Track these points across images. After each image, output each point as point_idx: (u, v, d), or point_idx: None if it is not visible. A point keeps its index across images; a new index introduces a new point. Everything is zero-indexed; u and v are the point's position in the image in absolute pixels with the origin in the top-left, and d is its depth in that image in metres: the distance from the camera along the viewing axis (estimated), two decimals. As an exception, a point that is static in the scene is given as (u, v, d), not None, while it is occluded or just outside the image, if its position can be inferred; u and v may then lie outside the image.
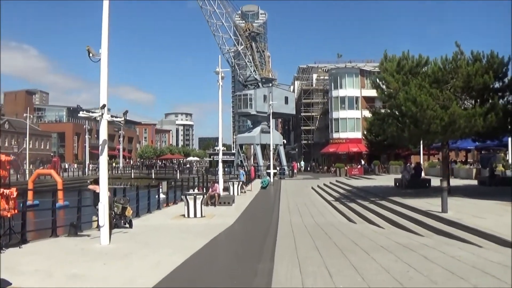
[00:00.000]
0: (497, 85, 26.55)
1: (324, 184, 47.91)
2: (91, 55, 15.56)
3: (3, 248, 14.16)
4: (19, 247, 15.04)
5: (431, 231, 17.01)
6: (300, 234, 18.66)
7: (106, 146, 16.40)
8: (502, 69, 26.22)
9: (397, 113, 27.19)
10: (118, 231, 19.35)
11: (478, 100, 26.33)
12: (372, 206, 25.98)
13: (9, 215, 14.62)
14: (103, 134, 16.32)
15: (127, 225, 20.76)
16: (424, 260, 12.06)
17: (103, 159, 16.51)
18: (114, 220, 20.14)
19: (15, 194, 14.60)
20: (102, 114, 15.82)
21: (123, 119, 17.37)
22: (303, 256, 13.26)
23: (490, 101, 25.62)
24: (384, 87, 27.98)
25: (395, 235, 17.18)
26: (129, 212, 20.99)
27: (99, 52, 15.73)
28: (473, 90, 25.45)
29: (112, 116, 17.16)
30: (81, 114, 15.91)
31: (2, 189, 14.20)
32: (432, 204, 21.84)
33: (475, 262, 11.45)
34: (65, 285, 10.41)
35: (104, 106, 15.73)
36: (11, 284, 10.03)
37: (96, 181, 23.92)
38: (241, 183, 43.76)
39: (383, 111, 31.44)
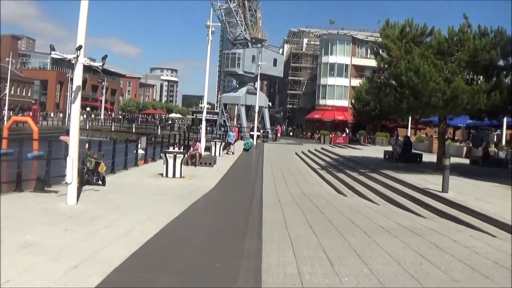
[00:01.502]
0: (501, 62, 25.07)
1: (309, 151, 46.47)
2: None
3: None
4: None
5: (433, 212, 15.50)
6: (288, 205, 17.01)
7: (79, 93, 14.49)
8: (510, 46, 24.71)
9: (395, 83, 25.76)
10: (90, 188, 17.70)
11: (481, 77, 24.95)
12: (362, 178, 24.58)
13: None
14: (77, 80, 14.38)
15: (100, 182, 19.01)
16: (435, 249, 10.48)
17: (75, 108, 14.59)
18: (86, 176, 18.60)
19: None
20: (78, 56, 13.83)
21: (101, 64, 15.36)
22: (295, 235, 11.60)
23: (494, 78, 24.19)
24: (384, 54, 26.28)
25: (394, 214, 15.59)
26: (102, 168, 19.17)
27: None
28: (478, 66, 23.90)
29: (90, 60, 15.15)
30: (53, 54, 13.91)
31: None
32: (428, 181, 20.63)
33: (496, 257, 9.89)
34: (11, 256, 8.51)
35: (80, 47, 13.76)
36: None
37: (68, 132, 22.12)
38: (229, 144, 42.42)
39: (379, 80, 29.78)
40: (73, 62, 14.01)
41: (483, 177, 23.28)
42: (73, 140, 14.33)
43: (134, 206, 15.08)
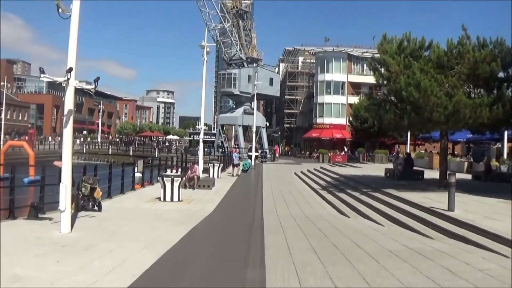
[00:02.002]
0: (501, 74, 24.66)
1: (308, 170, 45.93)
2: (60, 10, 13.12)
3: None
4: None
5: (440, 232, 14.95)
6: (290, 229, 16.43)
7: (71, 117, 13.93)
8: (510, 57, 24.32)
9: (395, 99, 25.34)
10: (85, 214, 17.14)
11: (482, 90, 24.53)
12: (364, 198, 24.06)
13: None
14: (69, 103, 13.82)
15: (96, 208, 18.43)
16: (449, 274, 9.93)
17: (67, 132, 14.03)
18: (82, 202, 18.06)
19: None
20: (68, 79, 13.32)
21: (93, 86, 14.87)
22: (300, 262, 11.02)
23: (495, 91, 23.75)
24: (382, 70, 25.87)
25: (400, 235, 15.04)
26: (98, 193, 18.61)
27: (70, 8, 13.30)
28: (478, 78, 23.47)
29: (86, 83, 14.63)
30: (42, 77, 13.43)
31: None
32: (432, 199, 20.18)
33: (513, 279, 9.39)
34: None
35: (70, 69, 13.24)
36: None
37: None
38: (235, 166, 41.98)
39: (379, 96, 29.36)
40: (64, 85, 13.50)
41: (488, 193, 22.79)
42: (66, 165, 13.79)
43: (130, 233, 14.48)
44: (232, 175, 40.58)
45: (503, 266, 10.47)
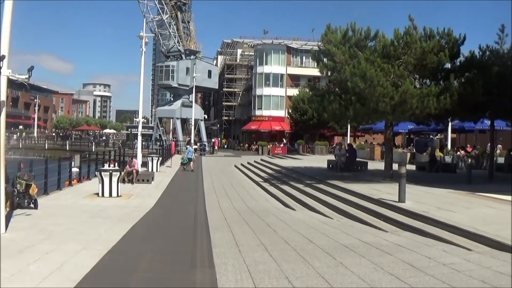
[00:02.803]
0: (447, 65, 24.51)
1: (248, 163, 45.07)
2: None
3: None
4: None
5: (394, 225, 14.37)
6: (236, 224, 15.56)
7: (4, 110, 12.61)
8: (458, 48, 24.17)
9: (339, 90, 24.82)
10: (21, 212, 15.93)
11: (428, 80, 24.27)
12: (309, 190, 23.49)
13: None
14: (1, 94, 12.52)
15: (32, 206, 17.23)
16: (412, 270, 9.23)
17: (0, 126, 12.71)
18: (17, 199, 16.79)
19: None
20: (0, 67, 12.02)
21: (27, 76, 13.57)
22: (251, 260, 10.12)
23: (442, 81, 23.54)
24: (326, 60, 25.30)
25: (352, 229, 14.35)
26: (33, 190, 17.38)
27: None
28: (426, 69, 23.14)
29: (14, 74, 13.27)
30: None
31: None
32: (380, 191, 19.79)
33: (482, 274, 8.83)
34: None
35: (3, 57, 11.93)
36: None
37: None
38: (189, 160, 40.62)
39: (323, 87, 28.85)
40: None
41: (435, 184, 22.53)
42: (-2, 161, 12.48)
43: (68, 232, 13.27)
44: (186, 170, 39.28)
45: (467, 260, 9.90)
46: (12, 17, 12.22)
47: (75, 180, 28.27)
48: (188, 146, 45.50)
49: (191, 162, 40.22)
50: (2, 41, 12.09)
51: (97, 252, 10.56)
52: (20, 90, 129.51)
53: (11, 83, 12.60)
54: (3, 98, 12.54)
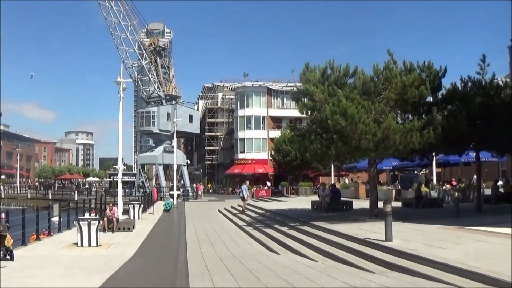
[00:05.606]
0: (429, 98, 24.35)
1: (232, 207, 44.46)
2: None
3: None
4: None
5: (381, 265, 13.81)
6: (218, 272, 14.89)
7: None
8: (439, 81, 24.03)
9: (319, 129, 24.46)
10: (-4, 264, 15.27)
11: (410, 115, 24.05)
12: (293, 233, 22.94)
13: None
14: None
15: (8, 257, 16.75)
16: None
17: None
18: (-8, 251, 16.25)
19: None
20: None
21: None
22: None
23: (424, 115, 23.31)
24: (306, 100, 25.02)
25: (338, 272, 13.73)
26: (8, 241, 16.90)
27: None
28: (407, 103, 22.94)
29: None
30: None
31: None
32: (366, 230, 19.32)
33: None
34: None
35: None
36: None
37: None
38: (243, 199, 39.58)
39: (303, 127, 28.53)
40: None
41: (423, 220, 22.30)
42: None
43: (42, 285, 12.76)
44: (242, 211, 38.39)
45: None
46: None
47: (44, 233, 27.36)
48: (243, 185, 43.62)
49: (245, 201, 39.26)
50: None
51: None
52: (2, 139, 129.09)
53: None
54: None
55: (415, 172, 44.72)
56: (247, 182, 49.61)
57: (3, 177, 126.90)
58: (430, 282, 11.13)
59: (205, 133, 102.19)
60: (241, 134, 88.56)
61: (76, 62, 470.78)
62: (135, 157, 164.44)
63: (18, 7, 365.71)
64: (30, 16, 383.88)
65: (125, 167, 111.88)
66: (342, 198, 33.69)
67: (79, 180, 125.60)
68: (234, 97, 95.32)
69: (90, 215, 23.57)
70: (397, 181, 44.15)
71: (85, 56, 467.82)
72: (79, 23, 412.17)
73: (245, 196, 39.94)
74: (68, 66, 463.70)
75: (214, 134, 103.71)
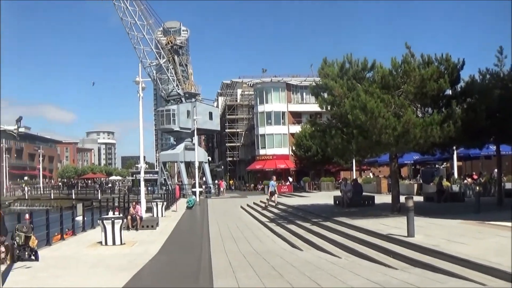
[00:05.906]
0: (448, 91, 24.17)
1: (254, 203, 44.44)
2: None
3: None
4: None
5: (404, 261, 13.81)
6: (241, 268, 15.04)
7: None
8: (457, 74, 23.85)
9: (340, 124, 24.45)
10: (21, 265, 15.72)
11: (430, 108, 23.88)
12: (316, 229, 22.88)
13: None
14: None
15: (33, 257, 17.06)
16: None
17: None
18: (18, 252, 16.61)
19: None
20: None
21: (15, 127, 13.34)
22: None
23: (444, 108, 23.14)
24: (325, 95, 25.00)
25: (360, 268, 13.80)
26: (33, 242, 17.27)
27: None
28: (426, 97, 22.77)
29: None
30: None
31: None
32: (388, 225, 19.19)
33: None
34: None
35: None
36: None
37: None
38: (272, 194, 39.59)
39: (324, 122, 28.52)
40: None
41: (444, 215, 22.02)
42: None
43: (67, 284, 13.00)
44: (270, 204, 38.65)
45: (483, 297, 9.37)
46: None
47: (67, 233, 27.65)
48: (271, 181, 43.78)
49: (274, 195, 39.34)
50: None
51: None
52: (24, 141, 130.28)
53: (7, 135, 12.36)
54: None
55: (437, 166, 44.45)
56: (274, 177, 49.31)
57: (26, 178, 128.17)
58: (452, 279, 11.14)
59: (226, 130, 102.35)
60: (261, 130, 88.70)
61: (93, 63, 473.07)
62: (157, 155, 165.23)
63: (37, 8, 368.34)
64: (47, 16, 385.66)
65: (147, 165, 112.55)
66: (364, 193, 33.66)
67: (102, 179, 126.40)
68: (253, 93, 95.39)
69: (113, 213, 23.88)
70: (419, 175, 43.94)
71: (102, 56, 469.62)
72: (96, 21, 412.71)
73: (274, 191, 39.94)
74: (86, 67, 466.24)
75: (235, 130, 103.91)
